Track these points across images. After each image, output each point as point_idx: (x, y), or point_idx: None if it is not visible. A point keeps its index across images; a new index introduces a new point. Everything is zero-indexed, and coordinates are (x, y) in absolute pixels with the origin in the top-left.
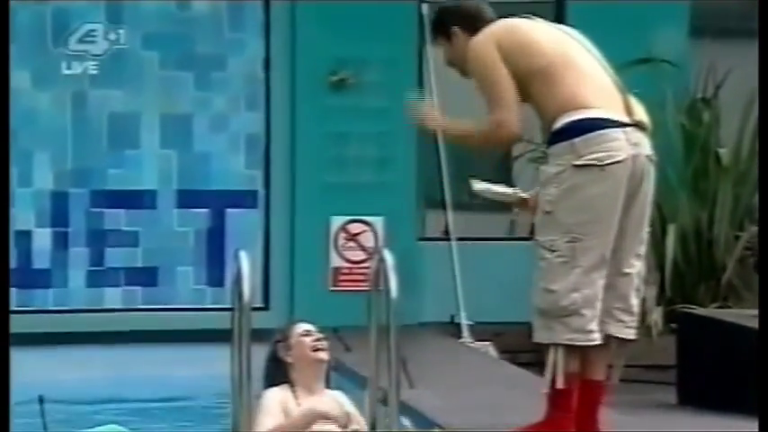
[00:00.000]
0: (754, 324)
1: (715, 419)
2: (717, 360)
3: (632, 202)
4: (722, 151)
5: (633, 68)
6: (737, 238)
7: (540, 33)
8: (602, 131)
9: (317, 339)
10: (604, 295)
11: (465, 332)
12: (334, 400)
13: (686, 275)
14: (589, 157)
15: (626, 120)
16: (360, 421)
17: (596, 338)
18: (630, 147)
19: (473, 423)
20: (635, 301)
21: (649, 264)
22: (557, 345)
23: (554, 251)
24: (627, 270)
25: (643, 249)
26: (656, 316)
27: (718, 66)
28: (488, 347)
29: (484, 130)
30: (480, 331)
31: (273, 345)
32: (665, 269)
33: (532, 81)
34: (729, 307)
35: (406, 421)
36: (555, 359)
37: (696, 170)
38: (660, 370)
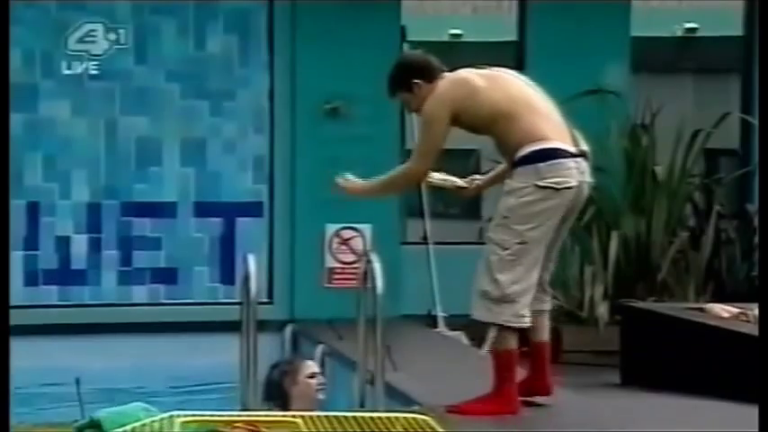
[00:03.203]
0: (685, 315)
1: (653, 397)
2: (654, 346)
3: (565, 220)
4: (658, 169)
5: (583, 98)
6: (671, 243)
7: (501, 81)
8: (561, 160)
9: (321, 383)
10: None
11: (440, 323)
12: None
13: (627, 275)
14: (549, 180)
15: (575, 151)
16: None
17: (527, 322)
18: (579, 174)
19: (447, 401)
20: (549, 288)
21: (596, 265)
22: (495, 324)
23: (506, 249)
24: (546, 271)
25: (555, 256)
26: (603, 309)
27: (655, 97)
28: (460, 336)
29: (399, 174)
30: (453, 322)
31: (280, 374)
32: (609, 269)
33: (498, 119)
34: (664, 301)
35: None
36: (494, 336)
37: (636, 186)
38: (606, 355)
